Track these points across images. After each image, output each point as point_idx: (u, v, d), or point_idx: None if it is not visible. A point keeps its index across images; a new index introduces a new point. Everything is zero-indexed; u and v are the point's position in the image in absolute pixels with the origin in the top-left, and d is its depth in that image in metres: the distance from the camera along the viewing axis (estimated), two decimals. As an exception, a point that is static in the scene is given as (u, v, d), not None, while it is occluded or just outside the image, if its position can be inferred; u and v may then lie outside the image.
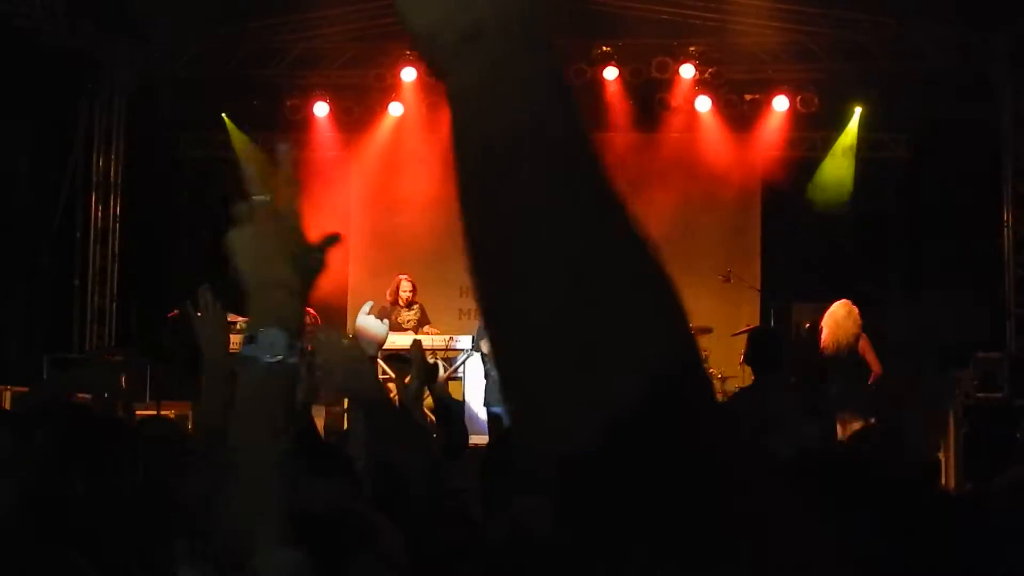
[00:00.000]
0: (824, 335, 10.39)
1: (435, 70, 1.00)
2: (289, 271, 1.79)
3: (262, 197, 1.82)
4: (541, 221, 0.96)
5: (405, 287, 13.06)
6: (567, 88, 1.01)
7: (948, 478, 9.99)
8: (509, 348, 0.96)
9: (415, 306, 13.06)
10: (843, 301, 10.47)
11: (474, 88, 0.99)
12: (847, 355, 10.37)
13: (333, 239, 1.92)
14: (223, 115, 15.24)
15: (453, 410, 5.17)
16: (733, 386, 12.29)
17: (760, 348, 7.75)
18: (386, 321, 10.33)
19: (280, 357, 1.73)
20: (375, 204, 15.39)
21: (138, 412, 11.86)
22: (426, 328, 12.88)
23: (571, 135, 0.97)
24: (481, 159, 1.01)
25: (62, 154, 13.99)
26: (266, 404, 1.76)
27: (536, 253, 0.95)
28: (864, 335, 10.43)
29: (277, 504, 1.74)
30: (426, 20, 0.97)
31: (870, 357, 10.51)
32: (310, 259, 1.83)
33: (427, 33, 0.98)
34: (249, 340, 1.75)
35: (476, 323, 14.97)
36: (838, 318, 10.45)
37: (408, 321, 12.88)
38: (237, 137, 15.30)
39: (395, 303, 12.98)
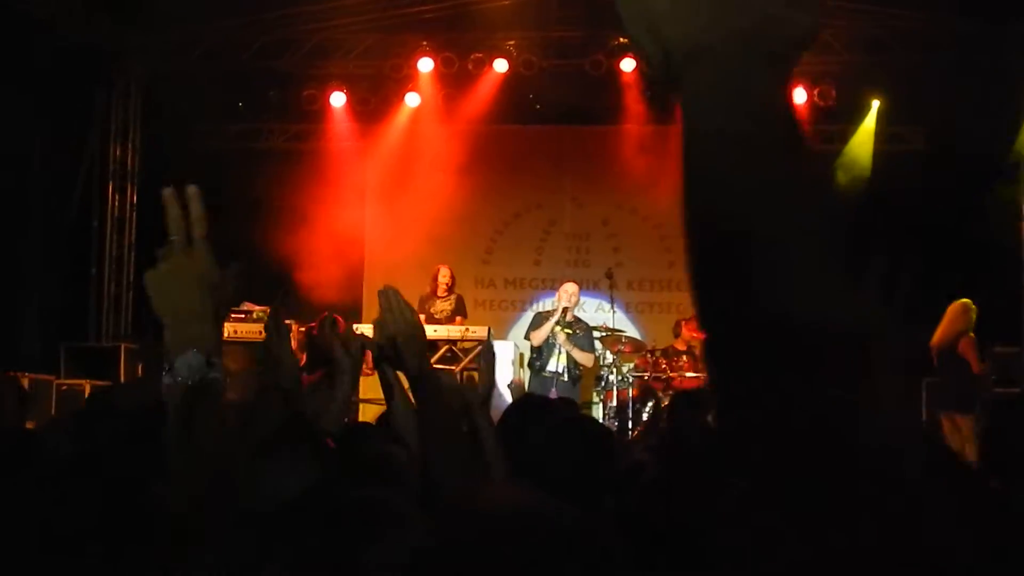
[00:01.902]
0: (937, 331, 10.74)
1: (666, 81, 1.08)
2: (200, 301, 1.93)
3: (174, 237, 1.97)
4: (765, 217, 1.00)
5: (443, 276, 12.96)
6: (786, 103, 1.06)
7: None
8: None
9: (451, 297, 12.98)
10: (963, 300, 10.86)
11: (701, 97, 1.05)
12: (948, 351, 10.63)
13: (236, 270, 2.06)
14: (239, 104, 15.28)
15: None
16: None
17: None
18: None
19: (198, 377, 1.88)
20: (391, 194, 15.39)
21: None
22: (458, 320, 12.81)
23: (788, 147, 1.03)
24: (707, 158, 1.04)
25: (79, 144, 14.03)
26: (195, 418, 1.89)
27: (769, 239, 0.99)
28: (970, 334, 10.69)
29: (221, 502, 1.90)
30: (659, 43, 1.06)
31: (970, 355, 10.73)
32: (220, 290, 1.98)
33: (660, 52, 1.07)
34: (168, 369, 1.90)
35: (491, 313, 15.00)
36: (951, 315, 10.80)
37: (441, 312, 12.82)
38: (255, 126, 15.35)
39: (433, 293, 12.91)
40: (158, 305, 1.95)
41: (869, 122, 14.80)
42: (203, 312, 1.93)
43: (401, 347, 3.01)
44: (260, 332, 12.77)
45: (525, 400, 4.90)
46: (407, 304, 3.11)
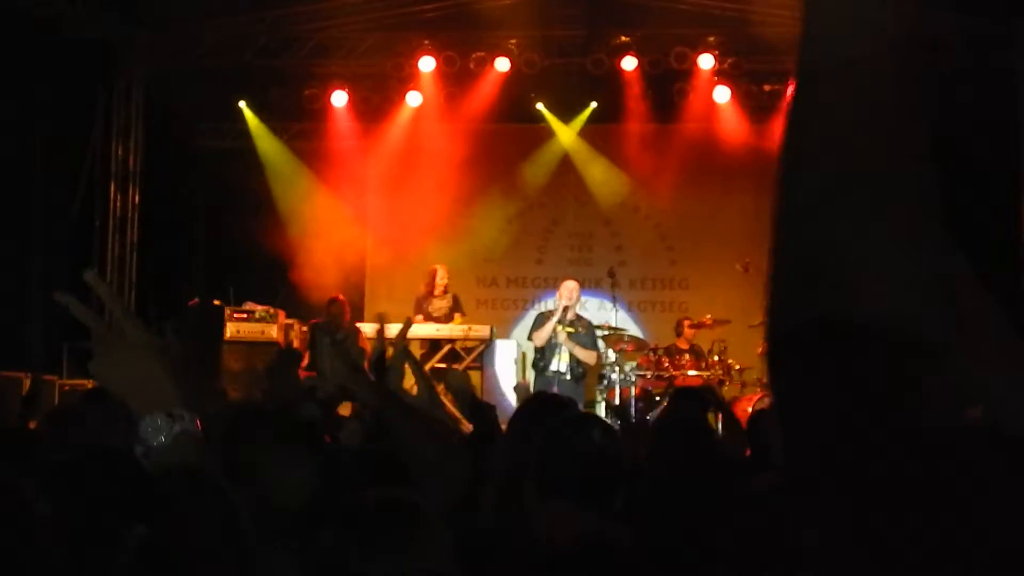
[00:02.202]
0: None
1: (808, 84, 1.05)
2: (147, 366, 1.95)
3: (94, 326, 2.00)
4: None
5: (441, 277, 12.98)
6: (920, 120, 1.02)
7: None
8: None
9: (448, 296, 12.99)
10: None
11: (841, 104, 1.01)
12: None
13: (171, 326, 2.13)
14: (241, 103, 15.28)
15: (480, 405, 5.11)
16: (752, 377, 12.28)
17: None
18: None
19: (164, 436, 1.88)
20: (393, 193, 15.39)
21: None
22: (457, 317, 12.82)
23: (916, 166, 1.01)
24: (826, 176, 1.01)
25: (81, 144, 14.03)
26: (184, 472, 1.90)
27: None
28: None
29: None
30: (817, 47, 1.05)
31: None
32: (163, 348, 2.00)
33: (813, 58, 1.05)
34: (137, 440, 1.90)
35: (493, 312, 14.99)
36: None
37: (439, 310, 12.83)
38: (255, 126, 15.35)
39: (430, 293, 12.92)
40: (114, 390, 1.97)
41: None
42: (155, 374, 1.93)
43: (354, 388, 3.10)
44: (262, 332, 12.81)
45: (533, 401, 4.88)
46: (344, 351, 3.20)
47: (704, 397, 7.83)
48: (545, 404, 4.24)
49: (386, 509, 2.29)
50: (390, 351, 3.70)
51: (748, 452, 5.84)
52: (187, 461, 1.86)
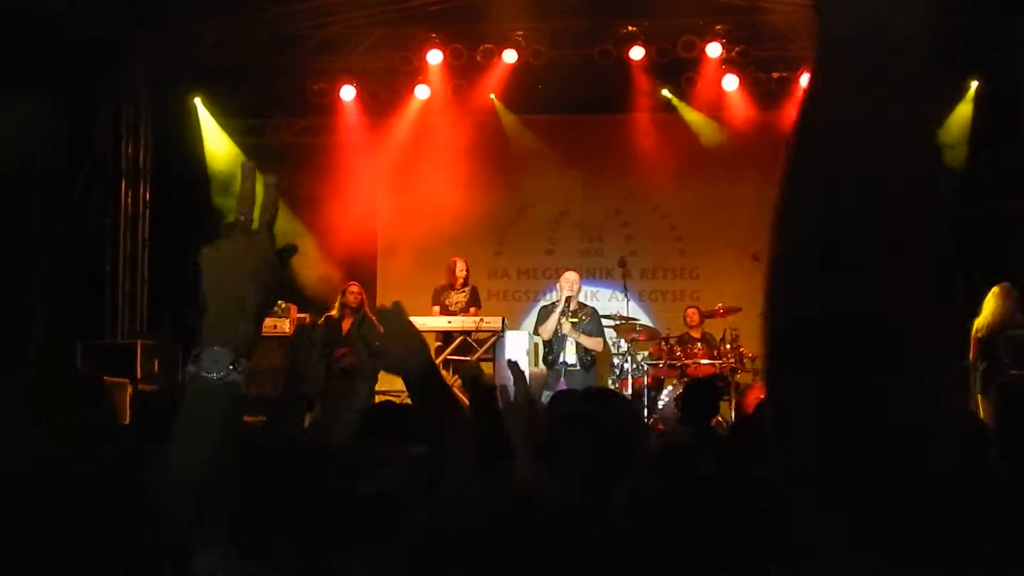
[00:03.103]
0: (980, 317, 10.58)
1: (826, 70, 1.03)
2: (250, 292, 1.86)
3: (242, 216, 1.88)
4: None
5: (460, 269, 13.01)
6: (928, 127, 1.02)
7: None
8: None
9: (466, 289, 13.02)
10: (1002, 284, 10.69)
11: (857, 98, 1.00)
12: (1001, 336, 10.55)
13: (291, 250, 1.98)
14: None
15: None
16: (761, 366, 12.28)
17: None
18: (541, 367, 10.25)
19: (222, 375, 1.80)
20: (402, 186, 15.42)
21: (170, 397, 11.97)
22: (472, 311, 12.85)
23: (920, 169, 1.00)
24: (831, 168, 1.02)
25: (89, 142, 14.06)
26: (208, 419, 1.83)
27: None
28: None
29: (219, 510, 1.83)
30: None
31: None
32: (270, 287, 1.90)
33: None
34: (195, 359, 1.82)
35: (504, 304, 15.02)
36: (995, 300, 10.65)
37: (456, 303, 12.86)
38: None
39: (450, 286, 12.95)
40: (207, 286, 1.85)
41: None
42: (248, 306, 1.85)
43: (404, 366, 3.03)
44: (274, 326, 12.85)
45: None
46: (409, 324, 3.12)
47: (717, 387, 7.88)
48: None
49: (367, 503, 2.29)
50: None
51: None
52: (214, 412, 1.81)
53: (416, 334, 3.10)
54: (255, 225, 1.89)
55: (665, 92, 15.08)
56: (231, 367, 1.81)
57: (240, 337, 1.84)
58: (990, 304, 10.90)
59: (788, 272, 1.06)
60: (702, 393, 7.69)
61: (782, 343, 1.05)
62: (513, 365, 3.66)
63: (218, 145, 15.39)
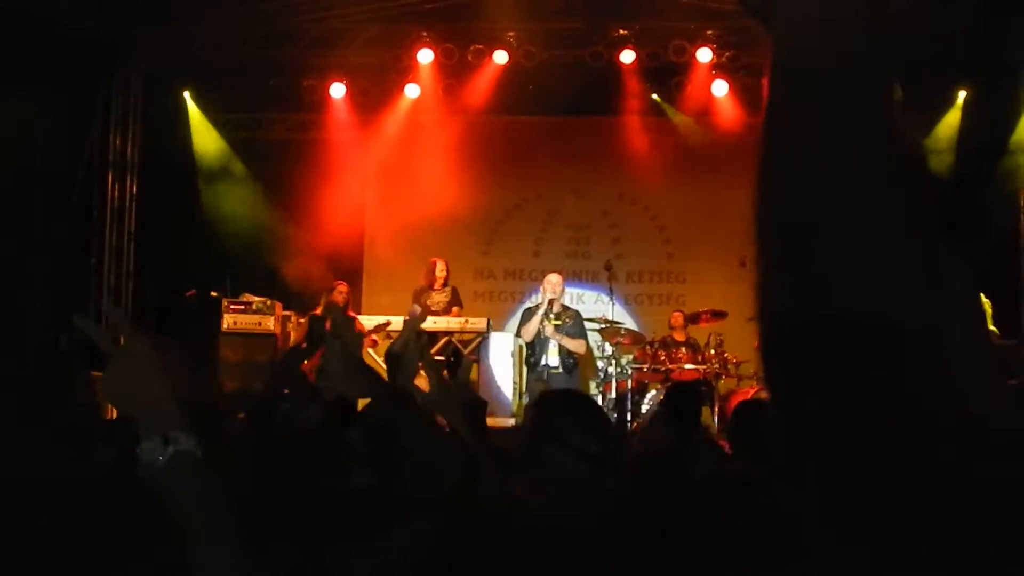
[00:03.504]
0: None
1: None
2: (154, 384, 1.92)
3: (107, 349, 1.97)
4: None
5: (440, 269, 12.99)
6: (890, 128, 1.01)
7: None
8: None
9: (447, 289, 13.00)
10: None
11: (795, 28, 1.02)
12: None
13: (177, 355, 2.11)
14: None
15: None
16: (748, 371, 12.30)
17: None
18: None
19: (160, 457, 1.85)
20: (391, 185, 15.40)
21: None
22: (454, 311, 12.84)
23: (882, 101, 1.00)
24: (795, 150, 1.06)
25: (80, 135, 14.02)
26: (188, 498, 1.86)
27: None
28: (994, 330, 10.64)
29: (218, 506, 1.86)
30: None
31: None
32: (171, 369, 1.97)
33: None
34: (136, 461, 1.87)
35: (490, 305, 15.01)
36: None
37: (438, 303, 12.84)
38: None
39: (429, 286, 12.93)
40: (122, 407, 1.97)
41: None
42: (160, 393, 1.92)
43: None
44: (259, 323, 12.83)
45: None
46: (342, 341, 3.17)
47: (699, 390, 7.86)
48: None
49: (363, 500, 2.31)
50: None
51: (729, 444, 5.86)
52: (182, 483, 1.85)
53: (354, 359, 3.14)
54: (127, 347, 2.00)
55: (655, 96, 15.08)
56: (165, 445, 1.85)
57: (169, 417, 1.89)
58: None
59: (772, 274, 1.08)
60: (685, 398, 7.66)
61: (777, 344, 1.03)
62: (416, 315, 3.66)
63: (207, 139, 15.34)
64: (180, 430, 1.87)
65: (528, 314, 11.95)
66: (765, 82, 1.08)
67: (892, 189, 0.99)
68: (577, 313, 12.08)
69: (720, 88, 14.79)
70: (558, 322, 11.75)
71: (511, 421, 11.87)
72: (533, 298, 14.14)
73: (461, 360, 11.71)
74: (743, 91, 14.79)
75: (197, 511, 1.84)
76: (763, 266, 1.10)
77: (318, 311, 12.41)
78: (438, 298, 12.87)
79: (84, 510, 2.39)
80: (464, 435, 3.35)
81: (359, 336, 11.90)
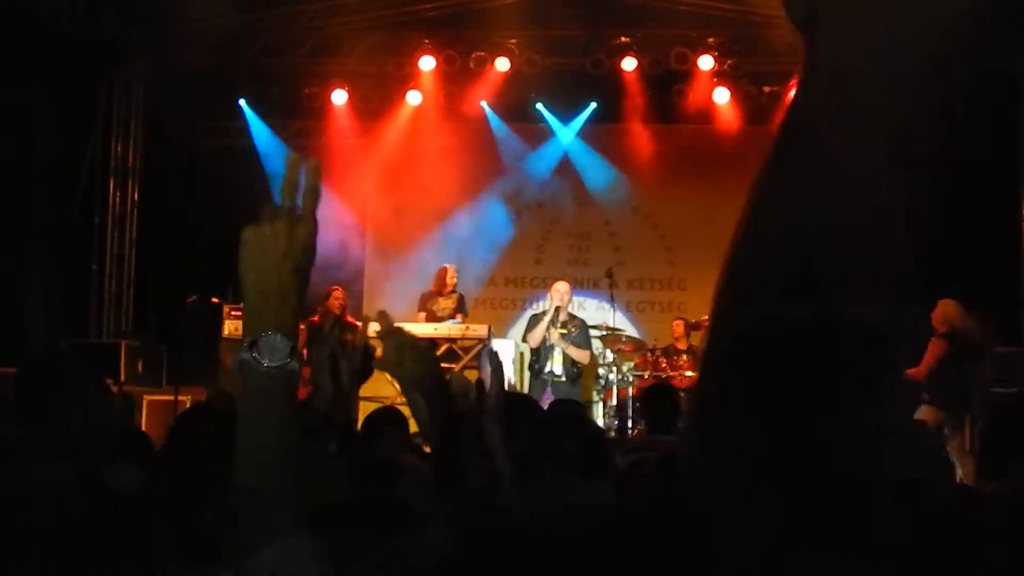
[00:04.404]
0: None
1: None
2: (292, 282, 1.83)
3: (287, 203, 1.85)
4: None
5: (451, 276, 12.97)
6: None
7: (966, 475, 9.95)
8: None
9: (454, 295, 12.99)
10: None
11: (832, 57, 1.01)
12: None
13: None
14: (241, 101, 15.26)
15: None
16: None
17: None
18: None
19: (280, 363, 1.77)
20: (392, 192, 15.38)
21: (154, 397, 11.95)
22: (459, 317, 12.82)
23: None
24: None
25: (81, 141, 14.03)
26: (270, 407, 1.80)
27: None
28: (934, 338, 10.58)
29: (289, 498, 1.79)
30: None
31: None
32: (309, 271, 1.88)
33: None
34: (250, 346, 1.78)
35: (491, 312, 15.00)
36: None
37: (444, 309, 12.82)
38: (256, 125, 15.34)
39: (438, 292, 12.91)
40: (246, 269, 1.82)
41: None
42: (289, 293, 1.83)
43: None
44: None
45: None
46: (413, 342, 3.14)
47: (672, 389, 7.80)
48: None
49: (372, 509, 2.30)
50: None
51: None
52: (276, 400, 1.78)
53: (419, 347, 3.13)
54: (300, 215, 1.86)
55: (656, 103, 15.08)
56: (289, 357, 1.78)
57: (283, 322, 1.81)
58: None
59: (740, 291, 1.04)
60: (662, 398, 7.58)
61: (722, 351, 1.03)
62: (493, 356, 3.66)
63: (210, 146, 15.35)
64: (292, 343, 1.80)
65: (534, 320, 11.93)
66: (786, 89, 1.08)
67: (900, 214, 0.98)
68: (583, 322, 12.07)
69: (722, 96, 14.79)
70: (564, 331, 11.73)
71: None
72: (536, 305, 14.15)
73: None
74: (745, 99, 14.80)
75: (272, 442, 1.78)
76: (733, 284, 1.06)
77: (315, 319, 12.36)
78: (445, 303, 12.86)
79: (93, 525, 2.35)
80: (494, 441, 3.34)
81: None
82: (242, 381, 1.81)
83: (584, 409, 9.45)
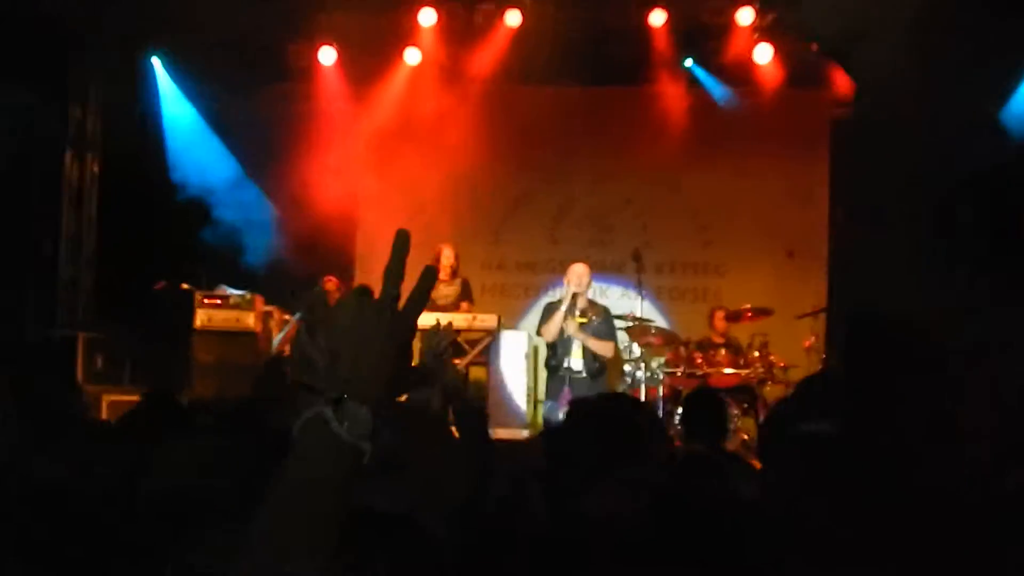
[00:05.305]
0: None
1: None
2: (392, 359, 1.83)
3: (394, 292, 1.89)
4: None
5: (447, 257, 12.90)
6: None
7: None
8: None
9: (456, 281, 12.92)
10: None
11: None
12: None
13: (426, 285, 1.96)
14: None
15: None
16: (797, 376, 12.21)
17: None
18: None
19: (358, 435, 1.75)
20: (388, 165, 15.34)
21: (116, 398, 11.91)
22: (463, 306, 12.75)
23: None
24: None
25: (40, 111, 13.95)
26: (327, 478, 1.76)
27: None
28: None
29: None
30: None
31: None
32: (406, 372, 1.88)
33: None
34: (334, 403, 1.75)
35: (501, 300, 14.96)
36: None
37: (445, 297, 12.77)
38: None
39: (438, 277, 12.83)
40: (340, 337, 1.83)
41: None
42: (383, 369, 1.82)
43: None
44: (237, 320, 12.77)
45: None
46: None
47: (719, 398, 7.76)
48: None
49: (384, 523, 2.35)
50: None
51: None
52: (333, 478, 1.75)
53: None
54: (403, 306, 1.89)
55: (688, 62, 15.00)
56: (369, 432, 1.76)
57: (376, 398, 1.79)
58: None
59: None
60: (707, 406, 7.56)
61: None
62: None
63: (178, 112, 15.31)
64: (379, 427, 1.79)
65: (549, 310, 11.76)
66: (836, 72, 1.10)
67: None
68: (605, 310, 11.88)
69: (763, 53, 14.70)
70: (583, 320, 11.57)
71: (524, 432, 11.78)
72: (552, 292, 14.09)
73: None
74: (788, 57, 14.70)
75: (312, 522, 1.74)
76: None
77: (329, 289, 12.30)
78: (445, 291, 12.80)
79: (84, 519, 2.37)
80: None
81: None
82: (299, 440, 1.76)
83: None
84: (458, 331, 12.17)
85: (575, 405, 4.13)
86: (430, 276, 1.97)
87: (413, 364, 1.95)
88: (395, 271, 1.91)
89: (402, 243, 1.95)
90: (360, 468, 1.76)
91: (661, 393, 12.24)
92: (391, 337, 1.83)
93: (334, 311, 1.84)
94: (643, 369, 12.43)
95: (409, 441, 3.22)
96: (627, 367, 12.65)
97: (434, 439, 3.40)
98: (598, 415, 3.70)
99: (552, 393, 11.45)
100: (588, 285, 11.71)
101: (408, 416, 3.33)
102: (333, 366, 1.80)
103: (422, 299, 1.92)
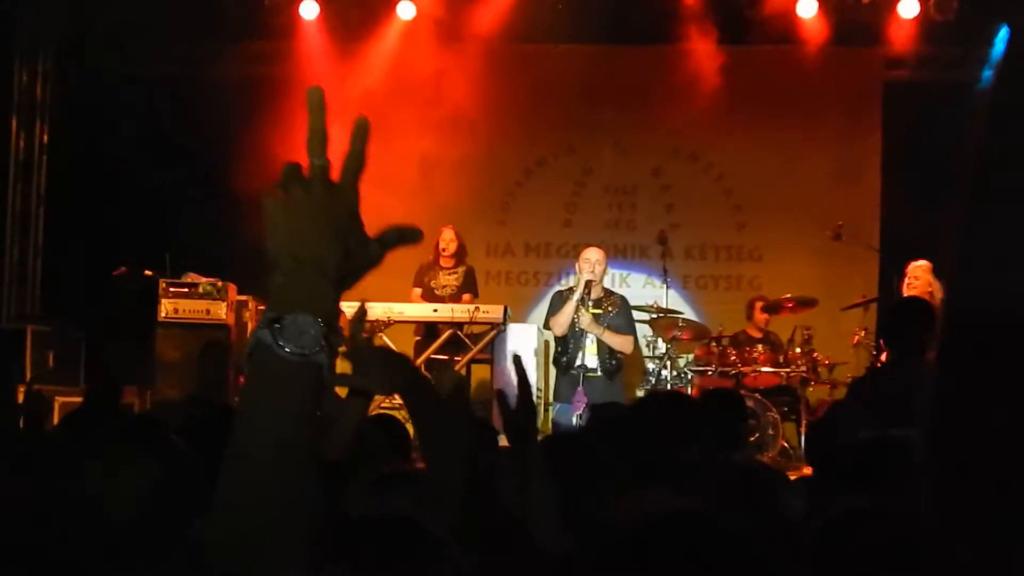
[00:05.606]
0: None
1: None
2: (331, 252, 1.84)
3: (319, 161, 1.91)
4: None
5: (448, 239, 12.80)
6: None
7: None
8: None
9: (459, 269, 12.83)
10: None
11: None
12: None
13: (407, 236, 1.97)
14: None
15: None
16: (844, 375, 12.15)
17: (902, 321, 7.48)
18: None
19: (306, 351, 1.77)
20: (378, 134, 15.03)
21: (69, 399, 11.86)
22: (466, 298, 12.66)
23: None
24: None
25: None
26: (282, 406, 1.79)
27: None
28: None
29: (298, 518, 1.80)
30: None
31: None
32: (361, 247, 1.89)
33: None
34: (273, 323, 1.78)
35: (507, 289, 14.91)
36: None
37: (445, 288, 12.70)
38: None
39: (435, 263, 12.77)
40: (274, 240, 1.85)
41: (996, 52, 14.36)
42: (326, 264, 1.82)
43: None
44: (206, 311, 12.72)
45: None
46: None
47: (737, 400, 7.68)
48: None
49: (388, 529, 2.37)
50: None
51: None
52: (293, 395, 1.77)
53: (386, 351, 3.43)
54: (339, 176, 1.91)
55: (722, 18, 14.90)
56: (321, 343, 1.78)
57: (320, 302, 1.81)
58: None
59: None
60: (724, 407, 7.48)
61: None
62: (517, 361, 3.65)
63: (144, 75, 15.25)
64: (335, 332, 1.80)
65: (559, 300, 11.68)
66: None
67: None
68: (623, 300, 11.78)
69: (807, 7, 14.59)
70: (598, 311, 11.49)
71: (534, 437, 11.70)
72: (565, 280, 14.02)
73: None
74: (837, 11, 14.62)
75: (278, 449, 1.75)
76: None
77: None
78: (446, 280, 12.74)
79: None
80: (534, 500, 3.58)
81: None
82: (251, 367, 1.80)
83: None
84: (455, 323, 12.15)
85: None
86: (362, 127, 1.97)
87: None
88: (317, 136, 1.91)
89: (317, 100, 1.95)
90: (320, 382, 1.79)
91: (691, 394, 12.16)
92: (328, 216, 1.85)
93: (264, 210, 1.86)
94: (669, 368, 12.39)
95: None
96: (650, 365, 12.60)
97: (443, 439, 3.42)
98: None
99: (563, 394, 11.34)
100: (604, 272, 11.61)
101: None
102: (271, 274, 1.82)
103: (359, 159, 1.94)
